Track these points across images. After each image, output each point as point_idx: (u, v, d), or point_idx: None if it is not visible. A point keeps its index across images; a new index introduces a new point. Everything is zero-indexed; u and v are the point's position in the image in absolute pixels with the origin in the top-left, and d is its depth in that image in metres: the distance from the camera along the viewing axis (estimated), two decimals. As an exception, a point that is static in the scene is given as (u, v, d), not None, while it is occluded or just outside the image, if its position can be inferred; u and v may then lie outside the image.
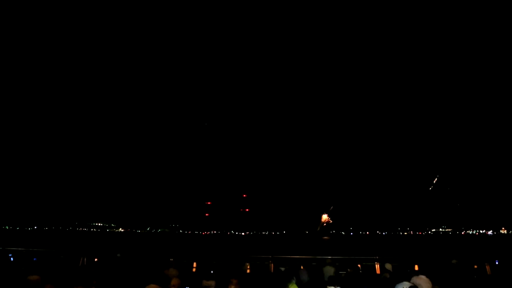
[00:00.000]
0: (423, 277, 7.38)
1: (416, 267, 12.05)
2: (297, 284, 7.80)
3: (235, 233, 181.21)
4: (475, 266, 11.89)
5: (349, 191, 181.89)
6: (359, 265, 13.00)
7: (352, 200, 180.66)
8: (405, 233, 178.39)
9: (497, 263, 12.95)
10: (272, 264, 12.63)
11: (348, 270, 10.17)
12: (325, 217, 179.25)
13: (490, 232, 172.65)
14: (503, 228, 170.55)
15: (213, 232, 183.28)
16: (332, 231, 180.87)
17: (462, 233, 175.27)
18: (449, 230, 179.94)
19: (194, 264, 13.76)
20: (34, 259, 14.17)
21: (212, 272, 10.77)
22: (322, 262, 12.07)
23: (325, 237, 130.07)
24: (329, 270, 10.37)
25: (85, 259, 13.40)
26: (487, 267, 11.45)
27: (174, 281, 6.48)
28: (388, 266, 9.90)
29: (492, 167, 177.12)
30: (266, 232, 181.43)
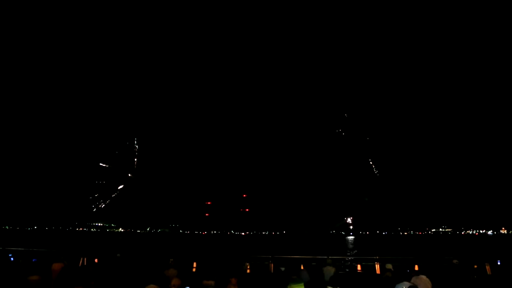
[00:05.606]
0: (423, 277, 7.38)
1: (416, 267, 12.05)
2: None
3: (235, 233, 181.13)
4: (475, 266, 11.88)
5: (349, 191, 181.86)
6: (358, 266, 13.01)
7: (352, 199, 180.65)
8: (405, 233, 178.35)
9: (499, 263, 12.96)
10: (272, 264, 12.63)
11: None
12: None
13: (490, 232, 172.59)
14: (503, 228, 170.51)
15: (213, 232, 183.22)
16: (332, 231, 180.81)
17: (462, 233, 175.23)
18: (449, 230, 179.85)
19: (194, 264, 13.77)
20: (34, 259, 14.17)
21: (212, 272, 10.78)
22: (322, 262, 12.06)
23: None
24: (329, 270, 10.34)
25: (85, 259, 13.41)
26: (487, 267, 11.45)
27: (175, 281, 6.47)
28: (389, 266, 9.89)
29: (491, 167, 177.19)
30: (266, 232, 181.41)
